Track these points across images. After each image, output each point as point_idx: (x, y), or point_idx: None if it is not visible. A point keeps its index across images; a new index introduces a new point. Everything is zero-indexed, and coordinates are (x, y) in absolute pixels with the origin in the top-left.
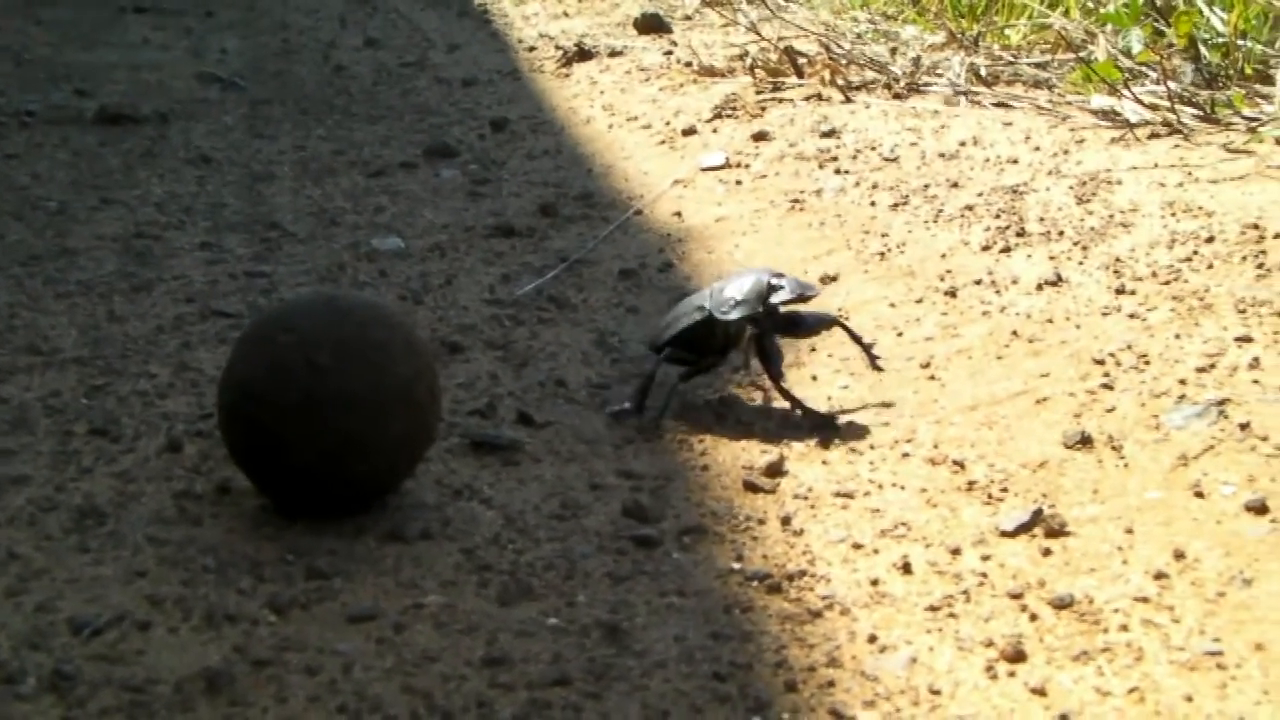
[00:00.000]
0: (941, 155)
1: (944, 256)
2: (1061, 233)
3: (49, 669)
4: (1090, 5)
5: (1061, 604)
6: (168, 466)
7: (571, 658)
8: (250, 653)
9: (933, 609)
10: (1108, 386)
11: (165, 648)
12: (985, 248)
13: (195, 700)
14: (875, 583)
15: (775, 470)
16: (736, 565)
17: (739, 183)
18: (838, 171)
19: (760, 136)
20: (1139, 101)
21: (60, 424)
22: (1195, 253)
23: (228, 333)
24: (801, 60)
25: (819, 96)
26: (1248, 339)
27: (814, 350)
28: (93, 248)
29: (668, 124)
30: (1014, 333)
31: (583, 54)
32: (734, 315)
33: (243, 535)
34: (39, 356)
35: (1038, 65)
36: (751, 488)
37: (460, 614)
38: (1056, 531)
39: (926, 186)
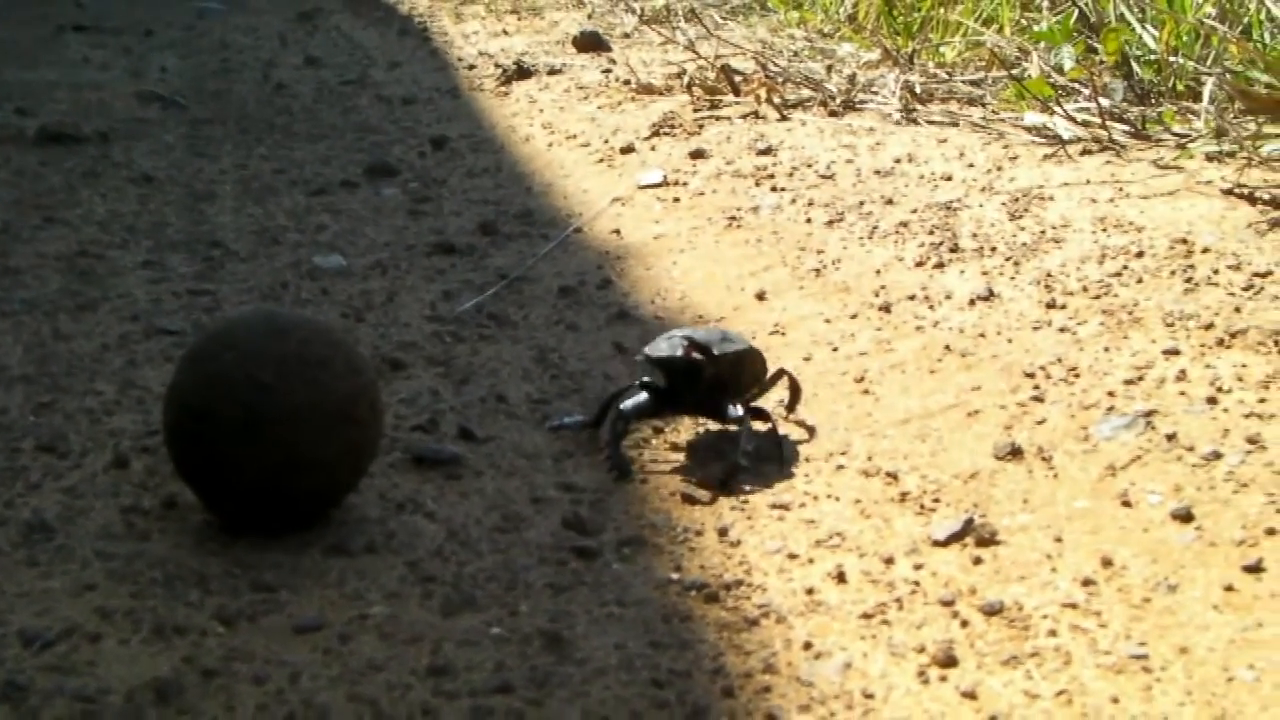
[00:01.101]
0: (877, 172)
1: (879, 273)
2: (994, 248)
3: (1, 681)
4: (1023, 23)
5: (992, 610)
6: (115, 482)
7: (514, 666)
8: (199, 663)
9: (866, 616)
10: (1038, 399)
11: (115, 659)
12: (919, 264)
13: (146, 710)
14: (810, 591)
15: (712, 483)
16: (675, 575)
17: (677, 200)
18: (774, 189)
19: (698, 154)
20: (1071, 118)
21: (7, 440)
22: (1125, 267)
23: (172, 350)
24: (738, 78)
25: (756, 114)
26: (1175, 351)
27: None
28: (36, 266)
29: (606, 142)
30: (947, 347)
31: (522, 72)
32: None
33: (190, 549)
34: None
35: (972, 83)
36: (689, 500)
37: (404, 624)
38: (987, 540)
39: (862, 203)
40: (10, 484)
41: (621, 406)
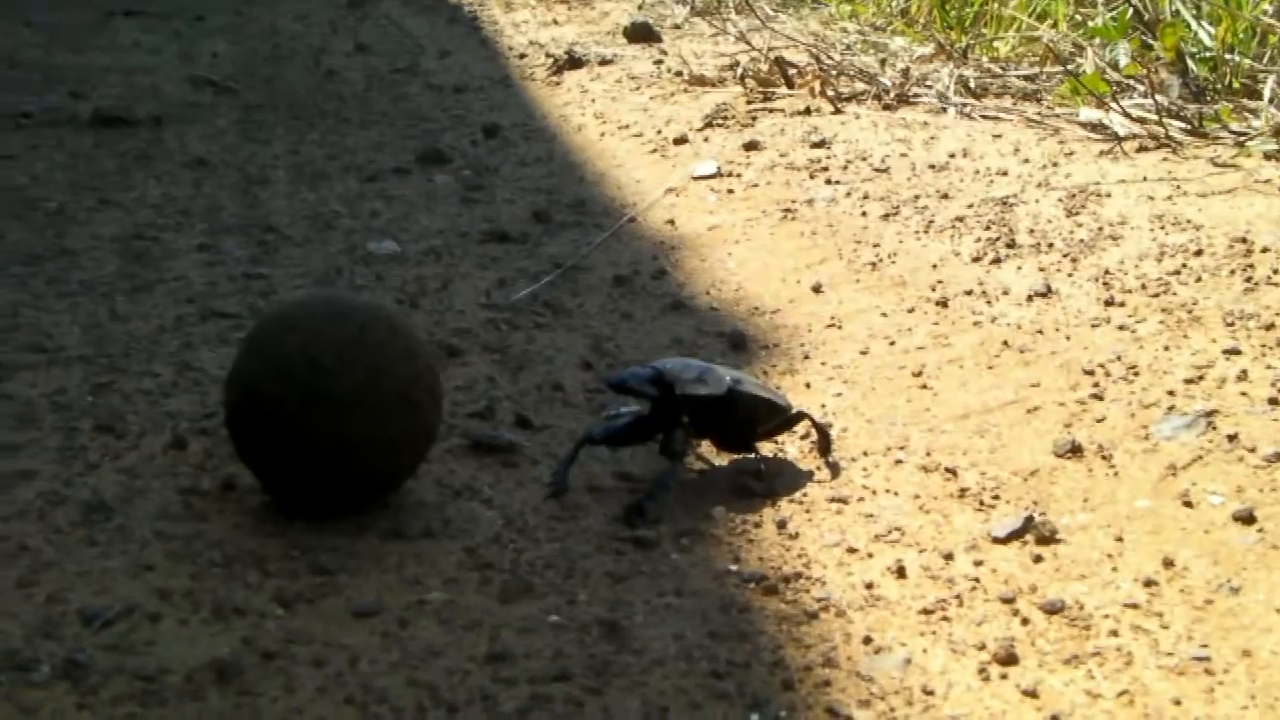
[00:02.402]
0: (931, 166)
1: (935, 267)
2: (1051, 245)
3: (62, 658)
4: (1078, 18)
5: (1053, 609)
6: (173, 463)
7: (572, 654)
8: (258, 645)
9: (926, 612)
10: (1097, 397)
11: (175, 639)
12: (976, 259)
13: (206, 690)
14: (870, 586)
15: (771, 475)
16: (733, 567)
17: (731, 192)
18: (829, 182)
19: (751, 146)
20: (1127, 115)
21: (66, 420)
22: (1184, 265)
23: (229, 333)
24: (792, 71)
25: (809, 108)
26: (1236, 351)
27: (808, 358)
28: (92, 248)
29: (659, 132)
30: (1005, 343)
31: (573, 62)
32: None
33: (248, 531)
34: (43, 354)
35: (1026, 77)
36: (747, 493)
37: (463, 610)
38: (1047, 538)
39: (917, 197)
40: (69, 463)
41: (592, 429)
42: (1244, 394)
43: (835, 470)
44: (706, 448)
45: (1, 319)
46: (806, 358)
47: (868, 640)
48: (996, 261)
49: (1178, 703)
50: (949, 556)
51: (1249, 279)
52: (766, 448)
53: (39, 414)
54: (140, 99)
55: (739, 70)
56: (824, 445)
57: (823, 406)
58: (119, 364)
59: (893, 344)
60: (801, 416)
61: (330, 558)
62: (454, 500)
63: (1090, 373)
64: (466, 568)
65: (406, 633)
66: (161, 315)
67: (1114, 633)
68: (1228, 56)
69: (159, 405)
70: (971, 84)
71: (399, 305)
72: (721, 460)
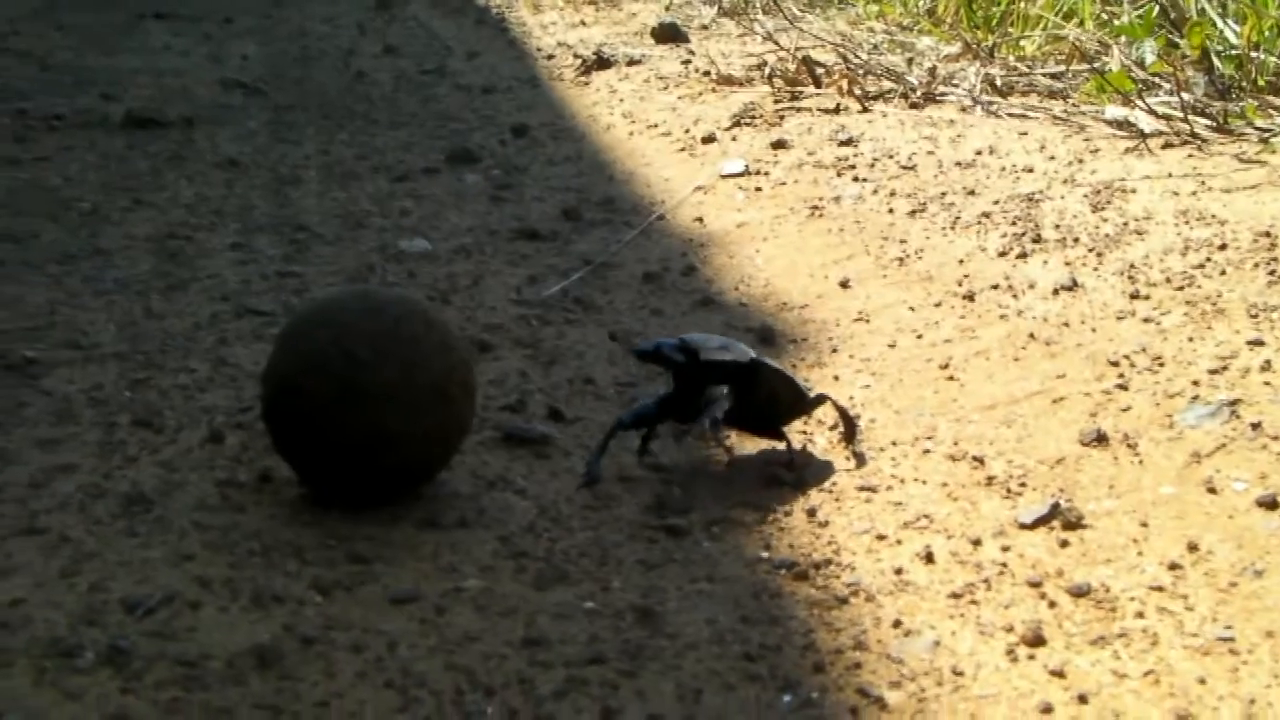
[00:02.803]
0: (958, 164)
1: (961, 262)
2: (1077, 239)
3: (105, 644)
4: (1104, 17)
5: (1079, 592)
6: (210, 456)
7: (607, 639)
8: (298, 631)
9: (955, 596)
10: (1123, 387)
11: (216, 625)
12: (1002, 253)
13: (247, 675)
14: (899, 571)
15: (800, 465)
16: (764, 554)
17: (759, 189)
18: (856, 179)
19: (779, 145)
20: (1152, 112)
21: (104, 415)
22: (1208, 259)
23: (263, 330)
24: (819, 70)
25: (837, 106)
26: (1259, 342)
27: (836, 351)
28: (126, 248)
29: (687, 132)
30: (1031, 335)
31: (601, 62)
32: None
33: (285, 522)
34: (79, 351)
35: (1052, 76)
36: (776, 481)
37: (499, 597)
38: (1074, 524)
39: (944, 194)
40: (108, 457)
41: (621, 416)
42: (1267, 384)
43: (860, 459)
44: (736, 439)
45: (38, 317)
46: (835, 351)
47: (897, 624)
48: (1023, 256)
49: (1203, 682)
50: (977, 542)
51: (1273, 272)
52: (795, 438)
53: (77, 410)
54: (171, 100)
55: (766, 70)
56: (849, 433)
57: (851, 398)
58: (155, 360)
59: (920, 337)
60: (823, 400)
61: (367, 546)
62: (488, 491)
63: (1115, 364)
64: (501, 556)
65: (444, 619)
66: (196, 312)
67: (1140, 614)
68: (1253, 54)
69: (195, 400)
70: (998, 82)
71: (430, 302)
72: (751, 449)
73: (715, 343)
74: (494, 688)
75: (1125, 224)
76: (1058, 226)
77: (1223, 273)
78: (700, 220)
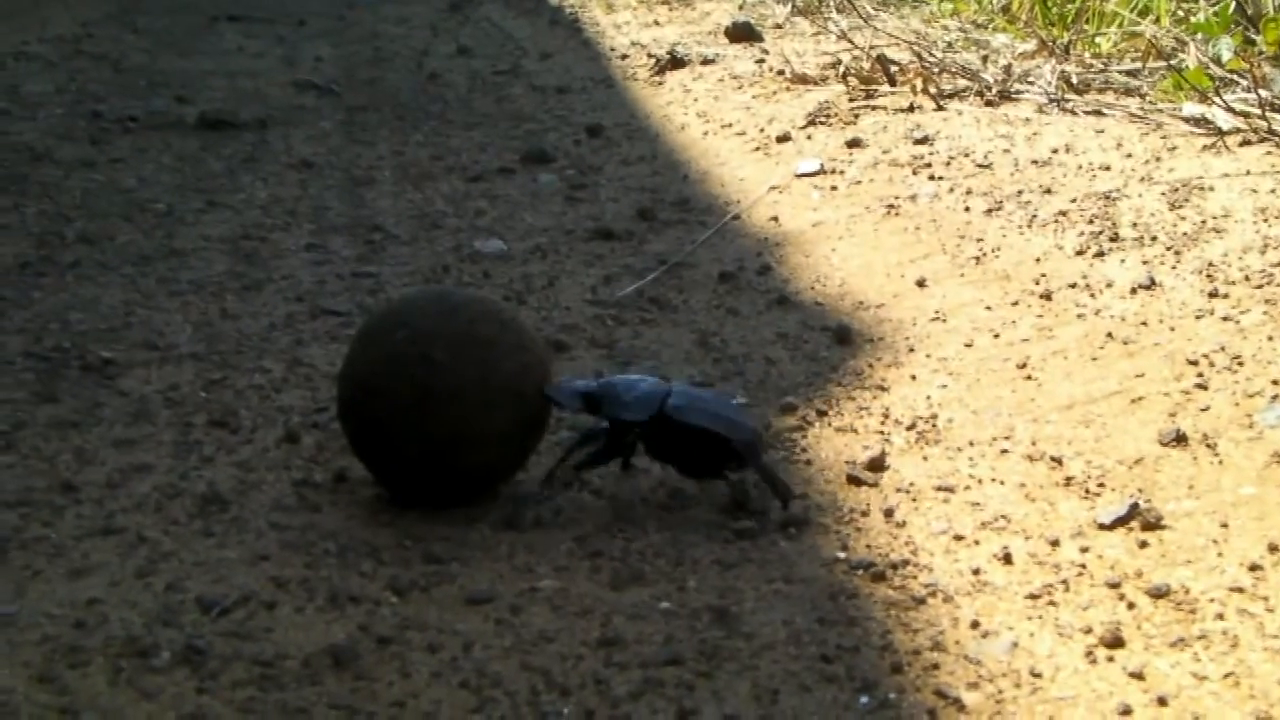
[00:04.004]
0: (1034, 162)
1: (1038, 261)
2: (1154, 238)
3: (181, 644)
4: (1180, 13)
5: (1158, 594)
6: (286, 457)
7: (683, 639)
8: (374, 631)
9: (1033, 597)
10: (1202, 386)
11: (292, 626)
12: (1079, 252)
13: (323, 675)
14: (977, 572)
15: (877, 465)
16: (841, 554)
17: (834, 188)
18: (932, 178)
19: (854, 143)
20: (1230, 109)
21: (180, 416)
22: None
23: (338, 330)
24: (894, 68)
25: (911, 105)
26: None
27: (913, 351)
28: (201, 248)
29: (762, 131)
30: (1109, 334)
31: (675, 62)
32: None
33: (361, 522)
34: (156, 352)
35: (1128, 73)
36: (854, 481)
37: (574, 597)
38: (1153, 525)
39: (1020, 192)
40: (185, 457)
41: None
42: None
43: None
44: (814, 440)
45: (114, 318)
46: (911, 350)
47: (975, 625)
48: (1100, 255)
49: None
50: (1055, 543)
51: None
52: (872, 439)
53: (153, 410)
54: (245, 102)
55: (841, 68)
56: (776, 492)
57: (928, 398)
58: (230, 361)
59: (997, 337)
60: (753, 453)
61: (443, 547)
62: (563, 491)
63: (1194, 363)
64: (577, 556)
65: (519, 619)
66: (271, 313)
67: (1219, 616)
68: None
69: (271, 400)
70: (1073, 80)
71: (507, 302)
72: (828, 450)
73: (630, 393)
74: (570, 688)
75: (1203, 222)
76: (1135, 225)
77: None
78: (775, 219)
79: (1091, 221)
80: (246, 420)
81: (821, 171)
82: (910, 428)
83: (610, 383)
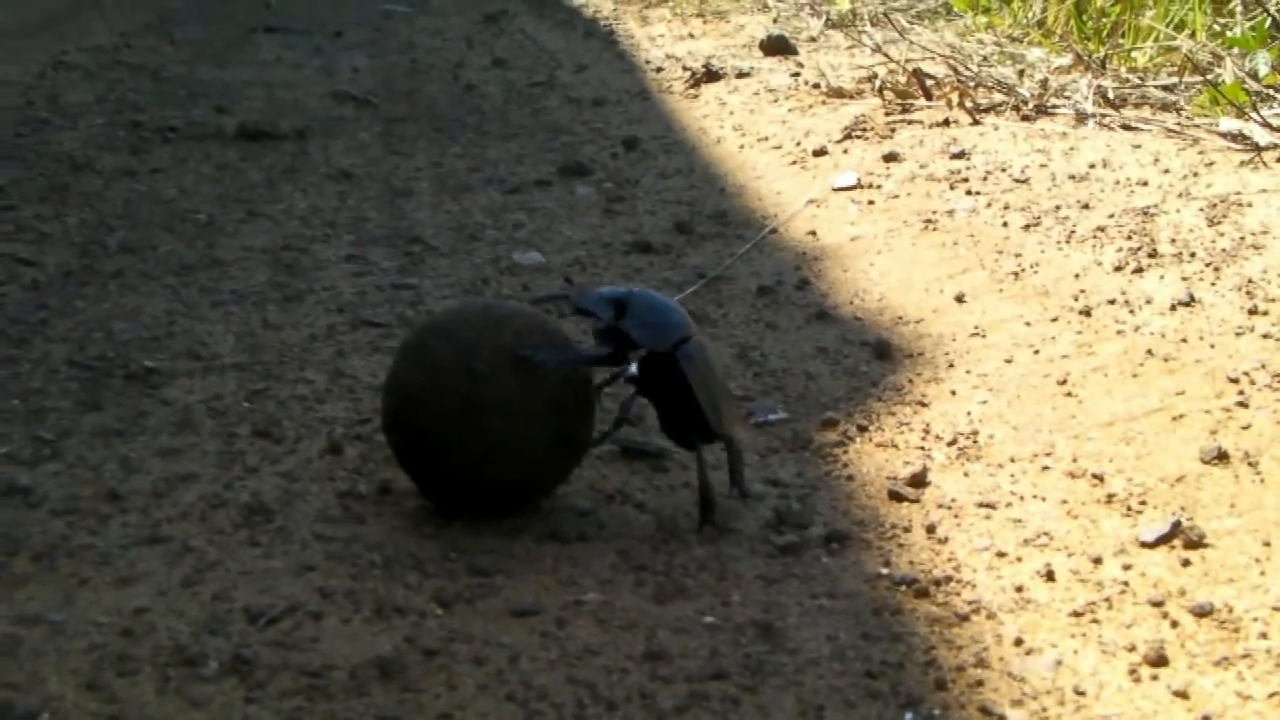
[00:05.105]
0: (1072, 177)
1: (1077, 276)
2: (1193, 254)
3: (229, 654)
4: (1217, 28)
5: (1202, 612)
6: (330, 468)
7: (728, 654)
8: (420, 643)
9: (1076, 615)
10: (1243, 404)
11: (338, 636)
12: (1118, 268)
13: (370, 686)
14: (1020, 589)
15: (919, 481)
16: (884, 570)
17: (871, 203)
18: (969, 193)
19: (891, 157)
20: (1267, 125)
21: (224, 426)
22: None
23: (380, 341)
24: (930, 82)
25: (947, 120)
26: None
27: (952, 366)
28: (242, 259)
29: (798, 144)
30: (1149, 351)
31: (710, 75)
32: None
33: (405, 533)
34: (199, 362)
35: (1165, 88)
36: (896, 497)
37: (619, 611)
38: (1195, 543)
39: (1058, 208)
40: (229, 467)
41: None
42: None
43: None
44: (855, 455)
45: (157, 328)
46: (951, 366)
47: (1019, 642)
48: (1139, 271)
49: None
50: (1098, 560)
51: None
52: (913, 454)
53: (197, 420)
54: (284, 113)
55: (877, 82)
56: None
57: (968, 414)
58: (273, 371)
59: (1037, 352)
60: (729, 443)
61: (488, 559)
62: (607, 504)
63: (1235, 380)
64: (621, 570)
65: (564, 632)
66: (313, 324)
67: (1263, 635)
68: None
69: (314, 411)
70: (1110, 94)
71: (547, 314)
72: (869, 466)
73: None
74: (616, 702)
75: (1242, 238)
76: (1173, 241)
77: None
78: (813, 234)
79: (1130, 237)
80: (290, 431)
81: (858, 186)
82: (951, 443)
83: (641, 299)
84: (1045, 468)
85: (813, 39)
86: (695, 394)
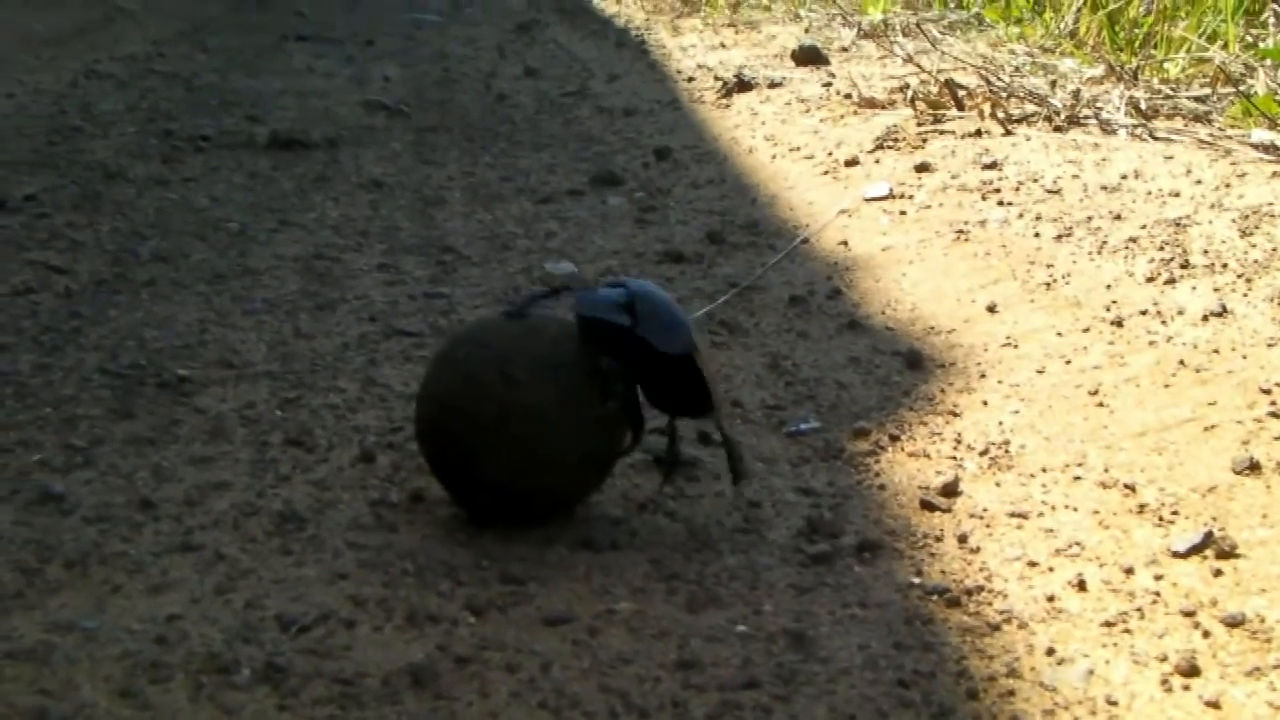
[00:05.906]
0: (1104, 188)
1: (1109, 287)
2: (1225, 265)
3: (262, 661)
4: (1249, 39)
5: (1234, 622)
6: (362, 476)
7: (760, 663)
8: (452, 651)
9: (1108, 625)
10: (1275, 415)
11: (371, 644)
12: (1150, 279)
13: (402, 694)
14: (1051, 599)
15: (950, 490)
16: (916, 580)
17: (903, 213)
18: (1001, 203)
19: (923, 168)
20: None
21: (256, 434)
22: None
23: (412, 350)
24: (961, 93)
25: (979, 130)
26: None
27: (984, 377)
28: (274, 267)
29: (830, 154)
30: (1181, 362)
31: (742, 85)
32: None
33: (438, 541)
34: (231, 370)
35: (1197, 99)
36: (928, 506)
37: (651, 620)
38: (1227, 553)
39: (1090, 218)
40: (261, 475)
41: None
42: None
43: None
44: (887, 464)
45: (189, 336)
46: (983, 376)
47: (1050, 652)
48: (1171, 282)
49: None
50: (1129, 570)
51: None
52: (945, 464)
53: (229, 428)
54: (315, 122)
55: (908, 92)
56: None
57: (1000, 424)
58: (305, 380)
59: (1069, 363)
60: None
61: (520, 568)
62: (639, 513)
63: (1267, 391)
64: (653, 578)
65: (597, 641)
66: (345, 333)
67: None
68: None
69: (346, 420)
70: (1142, 105)
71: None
72: (900, 475)
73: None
74: (648, 710)
75: (1274, 249)
76: (1206, 252)
77: None
78: (845, 244)
79: (1162, 248)
80: (322, 439)
81: (890, 196)
82: (983, 453)
83: (644, 300)
84: (1077, 478)
85: (844, 49)
86: (708, 389)
